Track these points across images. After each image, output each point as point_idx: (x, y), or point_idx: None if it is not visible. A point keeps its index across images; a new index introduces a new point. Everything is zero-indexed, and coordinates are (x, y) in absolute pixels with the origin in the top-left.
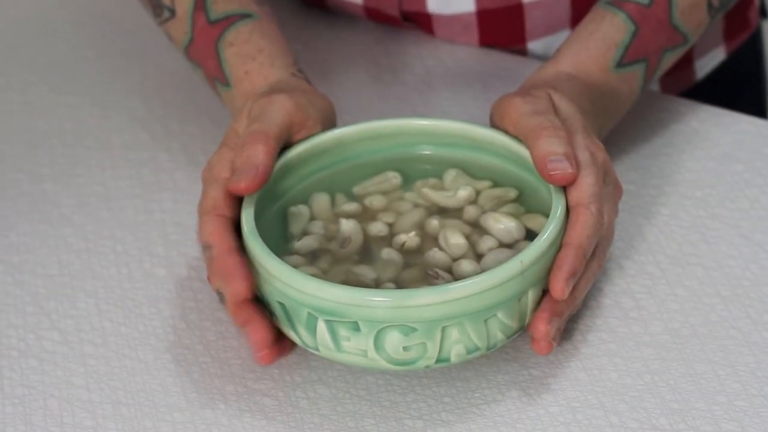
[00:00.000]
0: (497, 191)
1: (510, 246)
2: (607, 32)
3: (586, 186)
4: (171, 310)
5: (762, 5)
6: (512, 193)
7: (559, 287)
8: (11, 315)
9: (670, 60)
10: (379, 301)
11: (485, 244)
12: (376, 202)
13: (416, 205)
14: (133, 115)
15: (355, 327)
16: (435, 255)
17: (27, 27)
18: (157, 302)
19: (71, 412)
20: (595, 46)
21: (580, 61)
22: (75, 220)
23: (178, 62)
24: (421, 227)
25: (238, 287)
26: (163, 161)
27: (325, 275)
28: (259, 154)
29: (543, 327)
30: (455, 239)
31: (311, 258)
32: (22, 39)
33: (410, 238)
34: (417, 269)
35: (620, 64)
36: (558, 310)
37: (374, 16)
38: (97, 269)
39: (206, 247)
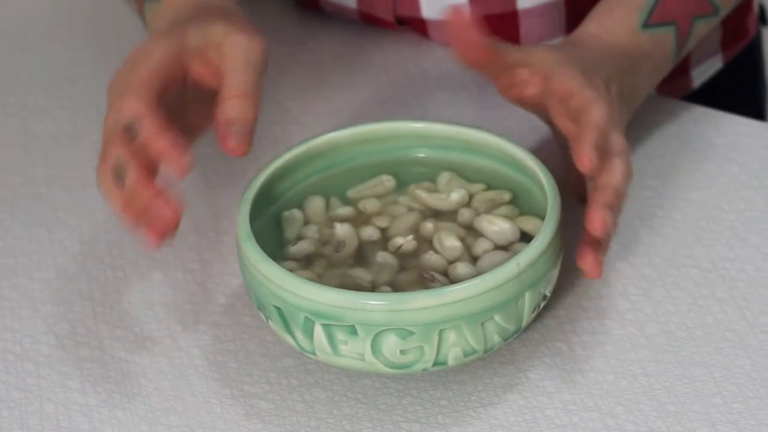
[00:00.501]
0: (491, 194)
1: (505, 248)
2: None
3: (613, 137)
4: (167, 314)
5: (761, 13)
6: (506, 196)
7: (598, 218)
8: (7, 318)
9: (701, 29)
10: (377, 305)
11: (480, 246)
12: (369, 205)
13: (410, 209)
14: None
15: (353, 331)
16: (430, 258)
17: (23, 30)
18: (152, 305)
19: (67, 415)
20: (618, 9)
21: (604, 23)
22: (71, 223)
23: None
24: (415, 230)
25: (183, 162)
26: None
27: (320, 279)
28: (248, 109)
29: (590, 258)
30: (450, 242)
31: (306, 262)
32: (18, 42)
33: (407, 242)
34: (413, 272)
35: (647, 24)
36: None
37: (369, 19)
38: (93, 272)
39: (129, 126)
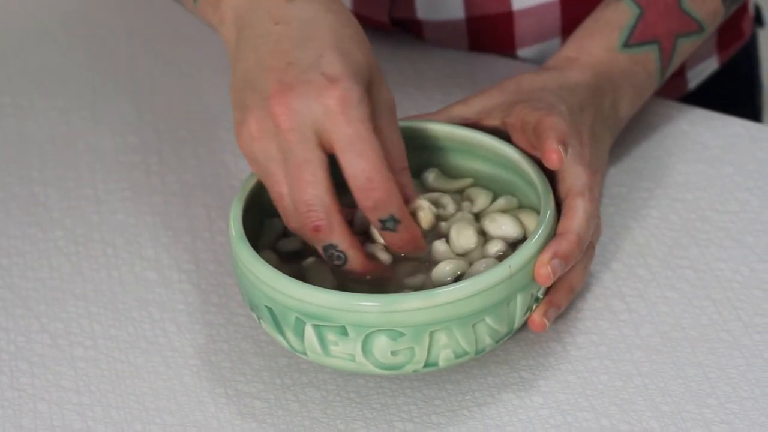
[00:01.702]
0: (475, 190)
1: (513, 246)
2: (611, 17)
3: (576, 177)
4: (161, 313)
5: (757, 14)
6: (483, 198)
7: (543, 271)
8: (1, 318)
9: (686, 47)
10: (368, 306)
11: (494, 247)
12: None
13: None
14: (124, 119)
15: (343, 331)
16: (439, 248)
17: (18, 31)
18: (147, 305)
19: (61, 415)
20: (598, 31)
21: (583, 44)
22: (65, 224)
23: (169, 66)
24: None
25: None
26: (154, 164)
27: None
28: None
29: (538, 319)
30: (467, 233)
31: (297, 258)
32: (13, 43)
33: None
34: (411, 264)
35: (627, 44)
36: (555, 301)
37: (364, 21)
38: (87, 272)
39: (387, 218)
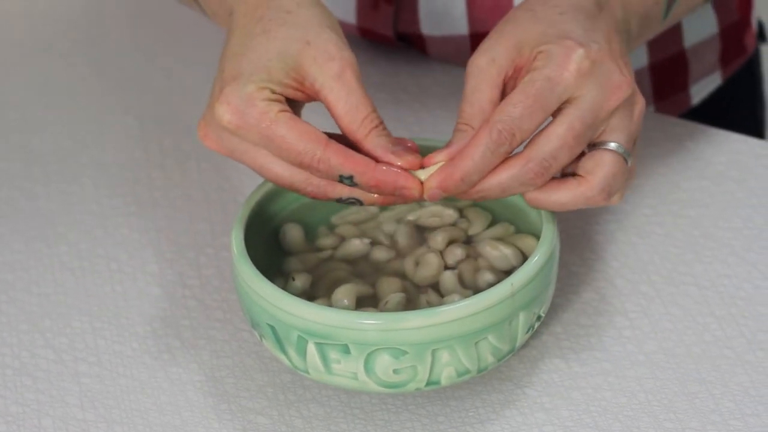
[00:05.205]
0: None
1: (507, 273)
2: None
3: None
4: (165, 329)
5: (760, 30)
6: (481, 223)
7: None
8: (5, 333)
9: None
10: (370, 324)
11: (482, 278)
12: (346, 231)
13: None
14: (128, 133)
15: (345, 350)
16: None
17: (23, 45)
18: (151, 321)
19: (65, 430)
20: None
21: None
22: (69, 238)
23: (173, 81)
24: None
25: None
26: (158, 179)
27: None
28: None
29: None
30: (455, 250)
31: (311, 291)
32: (19, 57)
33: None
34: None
35: None
36: None
37: (368, 36)
38: (92, 287)
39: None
